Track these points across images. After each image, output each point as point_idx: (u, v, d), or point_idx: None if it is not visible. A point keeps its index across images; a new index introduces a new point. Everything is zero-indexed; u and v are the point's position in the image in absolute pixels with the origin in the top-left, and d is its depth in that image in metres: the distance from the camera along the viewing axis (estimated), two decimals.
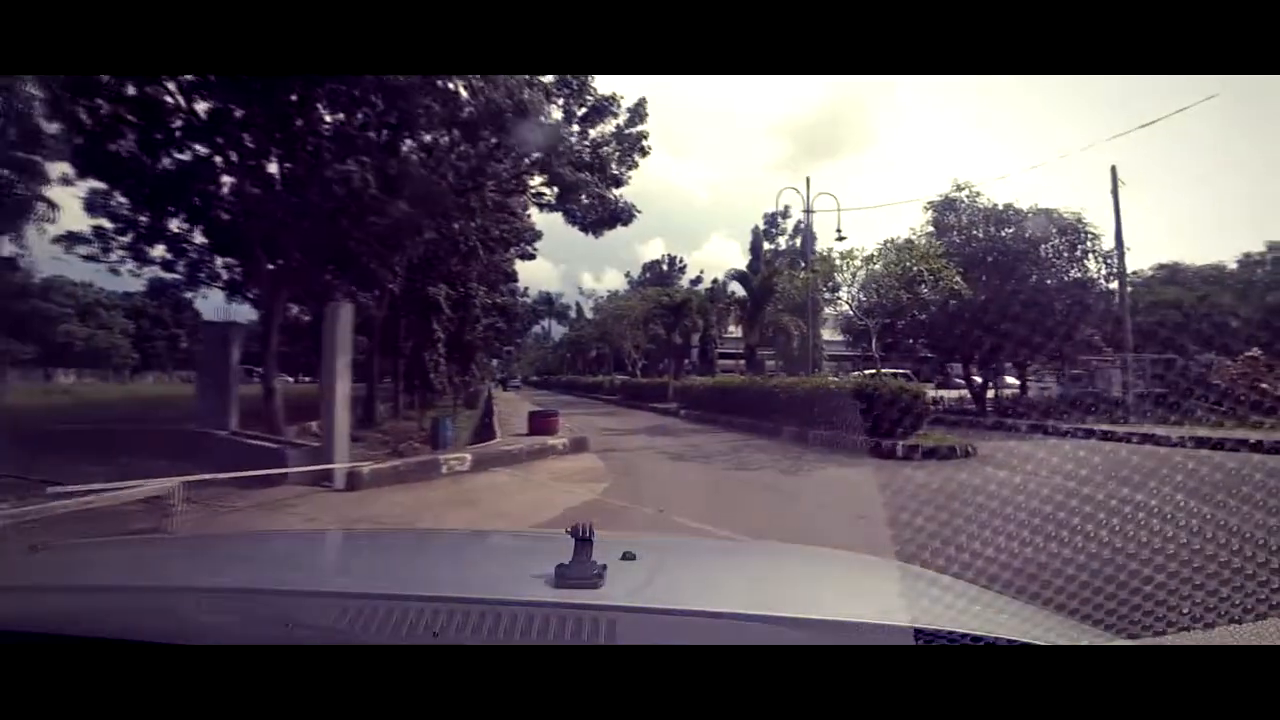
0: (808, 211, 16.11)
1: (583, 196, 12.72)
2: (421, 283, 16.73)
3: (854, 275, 12.10)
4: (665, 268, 42.58)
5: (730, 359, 35.68)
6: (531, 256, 21.36)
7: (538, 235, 21.89)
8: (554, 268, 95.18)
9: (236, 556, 1.48)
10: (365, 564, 1.41)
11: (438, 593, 0.97)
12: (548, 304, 48.20)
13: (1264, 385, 14.43)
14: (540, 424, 11.46)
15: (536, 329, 56.17)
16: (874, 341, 12.82)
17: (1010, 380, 18.91)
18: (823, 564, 1.52)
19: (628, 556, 1.11)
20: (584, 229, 13.88)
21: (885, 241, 11.96)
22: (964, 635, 0.86)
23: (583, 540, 1.00)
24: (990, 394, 17.55)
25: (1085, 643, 0.98)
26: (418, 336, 16.61)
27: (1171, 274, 23.93)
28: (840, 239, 13.17)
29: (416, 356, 16.54)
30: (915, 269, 11.51)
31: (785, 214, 23.32)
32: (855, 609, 1.05)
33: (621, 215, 13.55)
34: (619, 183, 12.88)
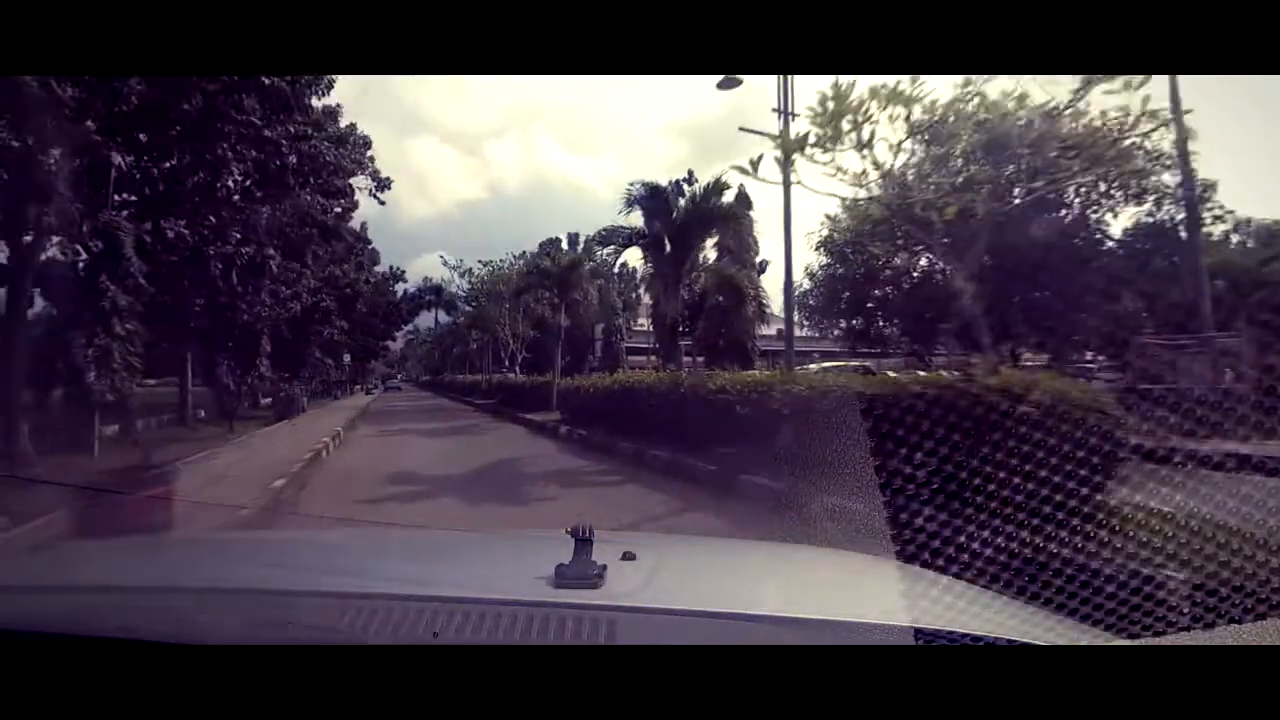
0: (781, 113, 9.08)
1: None
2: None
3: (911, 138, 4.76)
4: (566, 246, 35.14)
5: (642, 354, 30.84)
6: (352, 205, 14.30)
7: (383, 182, 18.00)
8: (450, 260, 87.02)
9: (236, 556, 1.54)
10: (365, 564, 1.44)
11: (438, 593, 1.03)
12: (435, 293, 41.01)
13: None
14: None
15: (425, 324, 50.39)
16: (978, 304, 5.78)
17: None
18: (823, 564, 1.58)
19: (628, 556, 1.16)
20: None
21: None
22: (964, 635, 0.91)
23: (583, 540, 1.06)
24: None
25: (1085, 643, 1.07)
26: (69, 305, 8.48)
27: None
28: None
29: (53, 341, 8.25)
30: None
31: (690, 180, 16.27)
32: (855, 609, 1.11)
33: None
34: None
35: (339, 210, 24.28)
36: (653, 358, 30.65)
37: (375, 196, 23.85)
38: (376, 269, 40.15)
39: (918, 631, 0.87)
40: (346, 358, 35.23)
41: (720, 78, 10.98)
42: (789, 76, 10.65)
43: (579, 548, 1.04)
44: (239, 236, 13.57)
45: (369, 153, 21.09)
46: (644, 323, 35.39)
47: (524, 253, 25.94)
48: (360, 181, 22.23)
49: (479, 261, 28.97)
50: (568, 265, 21.27)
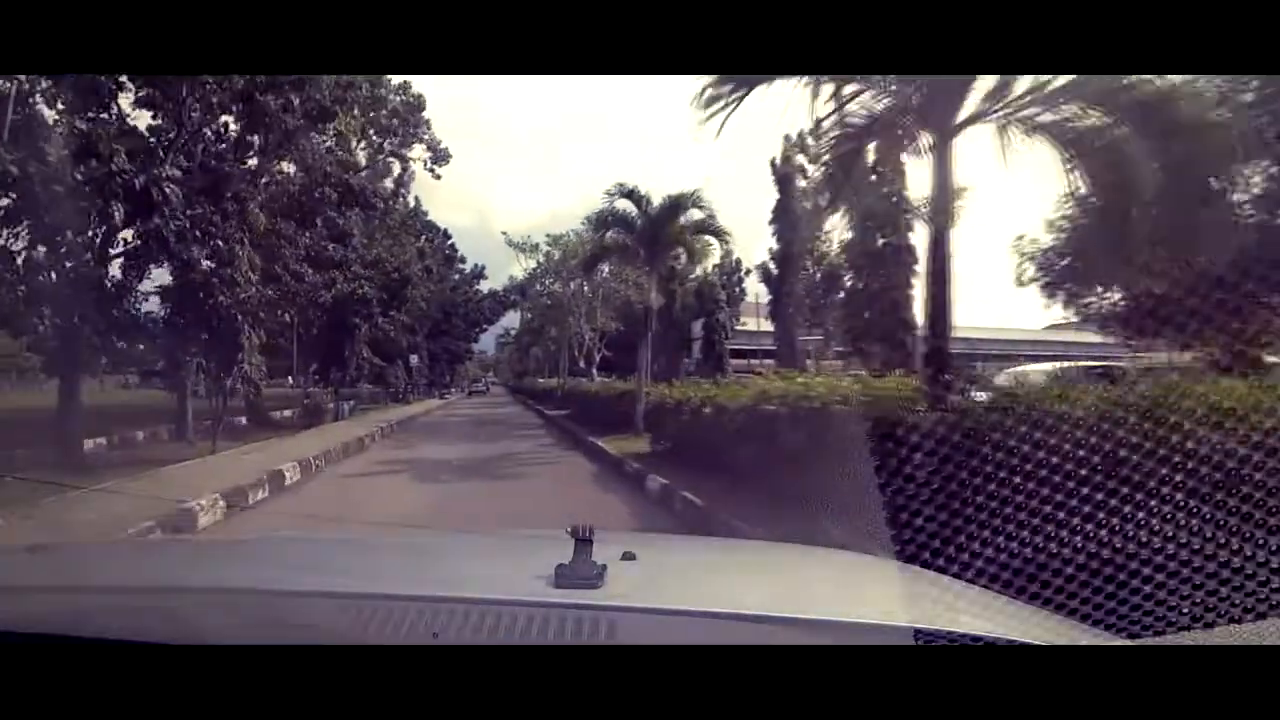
0: None
1: None
2: None
3: None
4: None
5: (744, 358, 25.34)
6: (406, 176, 11.79)
7: (440, 154, 17.88)
8: (514, 239, 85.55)
9: (236, 556, 1.52)
10: (365, 564, 1.41)
11: (438, 593, 1.01)
12: (520, 293, 37.56)
13: None
14: None
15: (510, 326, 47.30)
16: None
17: None
18: (823, 564, 1.54)
19: (628, 556, 1.14)
20: None
21: None
22: (964, 635, 0.89)
23: (583, 540, 1.04)
24: None
25: (1085, 643, 1.04)
26: None
27: None
28: None
29: None
30: None
31: None
32: (855, 609, 1.10)
33: None
34: None
35: (390, 187, 20.34)
36: (755, 362, 23.73)
37: (431, 170, 19.91)
38: (462, 266, 36.75)
39: (918, 631, 0.86)
40: (414, 359, 31.29)
41: None
42: None
43: (579, 548, 1.03)
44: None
45: (424, 114, 17.34)
46: (748, 322, 28.81)
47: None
48: (417, 152, 18.51)
49: (546, 236, 23.95)
50: (663, 210, 13.38)
